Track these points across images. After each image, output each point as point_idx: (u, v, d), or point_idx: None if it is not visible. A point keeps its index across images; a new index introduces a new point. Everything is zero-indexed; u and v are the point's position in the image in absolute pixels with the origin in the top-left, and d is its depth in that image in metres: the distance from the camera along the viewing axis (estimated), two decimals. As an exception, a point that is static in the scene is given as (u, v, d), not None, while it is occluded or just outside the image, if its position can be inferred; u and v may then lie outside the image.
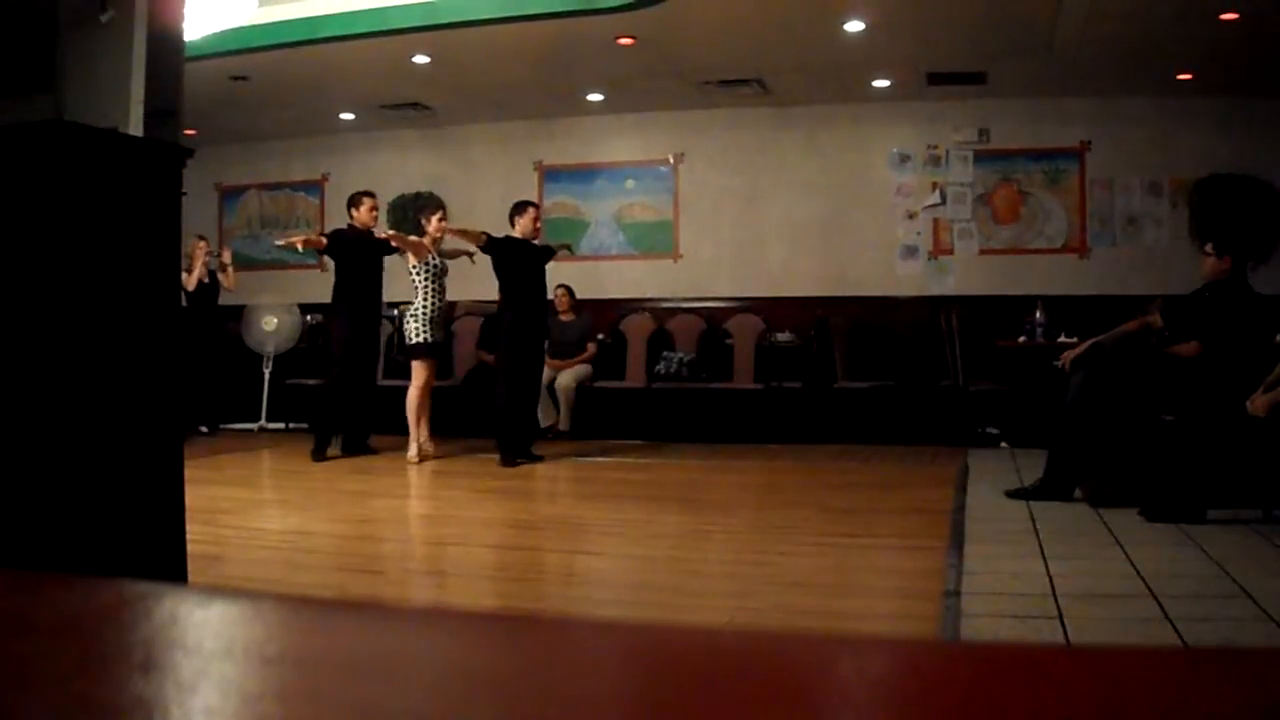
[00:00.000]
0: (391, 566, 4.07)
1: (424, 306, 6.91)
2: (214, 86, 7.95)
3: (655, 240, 9.74)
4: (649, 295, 9.64)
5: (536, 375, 7.16)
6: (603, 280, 9.65)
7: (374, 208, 7.31)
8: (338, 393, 7.14)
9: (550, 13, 7.08)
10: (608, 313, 9.42)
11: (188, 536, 2.69)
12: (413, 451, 6.92)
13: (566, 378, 8.74)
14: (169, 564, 2.55)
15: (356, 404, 7.26)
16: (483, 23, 7.21)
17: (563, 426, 8.71)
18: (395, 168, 10.13)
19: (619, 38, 7.54)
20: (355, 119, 9.92)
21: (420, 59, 8.09)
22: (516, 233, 6.91)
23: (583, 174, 9.90)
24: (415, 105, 9.45)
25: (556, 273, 9.58)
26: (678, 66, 8.32)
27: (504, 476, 6.42)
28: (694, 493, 6.04)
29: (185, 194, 2.71)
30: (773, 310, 9.18)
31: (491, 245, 6.75)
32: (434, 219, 7.14)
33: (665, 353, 9.17)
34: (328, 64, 8.07)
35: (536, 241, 7.11)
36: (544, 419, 8.73)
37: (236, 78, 8.24)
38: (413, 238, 7.03)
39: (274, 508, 5.31)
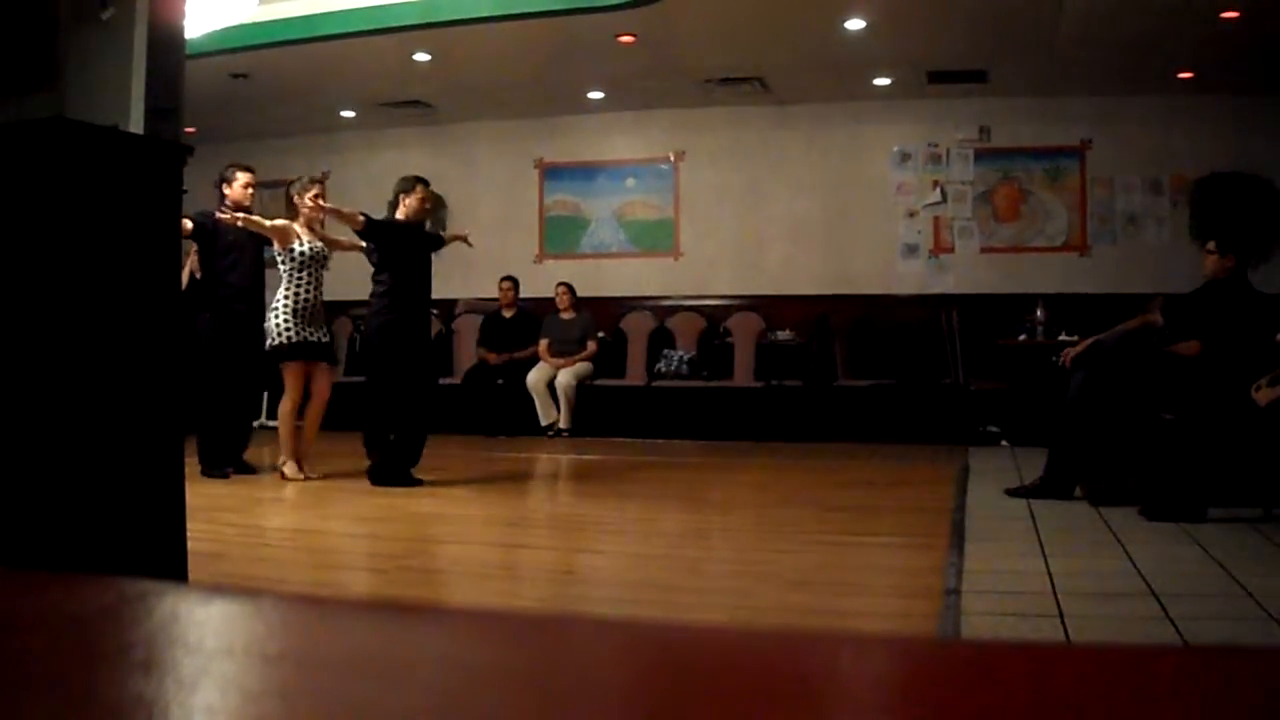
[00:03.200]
0: (391, 564, 4.07)
1: (288, 299, 5.81)
2: (215, 84, 7.95)
3: (656, 238, 9.74)
4: (649, 293, 9.64)
5: (420, 386, 5.74)
6: (603, 278, 9.65)
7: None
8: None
9: (550, 10, 7.08)
10: (608, 311, 9.42)
11: (188, 534, 2.69)
12: (292, 469, 5.83)
13: (567, 376, 8.75)
14: (170, 562, 2.55)
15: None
16: (483, 20, 7.20)
17: (563, 425, 8.71)
18: (396, 166, 10.05)
19: (619, 36, 7.54)
20: (356, 117, 9.92)
21: (421, 57, 8.09)
22: (401, 215, 5.84)
23: (583, 172, 9.90)
24: (416, 103, 9.45)
25: (556, 271, 9.64)
26: (678, 64, 8.31)
27: (505, 475, 6.41)
28: (694, 491, 6.03)
29: (186, 192, 2.71)
30: (773, 308, 9.18)
31: (370, 229, 5.69)
32: (308, 195, 5.89)
33: (666, 351, 9.18)
34: (328, 62, 8.07)
35: (427, 228, 6.29)
36: (544, 417, 8.74)
37: (237, 75, 8.24)
38: (273, 221, 5.91)
39: (274, 505, 5.31)
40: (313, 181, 6.06)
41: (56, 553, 2.23)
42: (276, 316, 5.79)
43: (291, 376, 5.84)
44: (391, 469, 5.60)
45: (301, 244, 5.85)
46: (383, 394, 5.67)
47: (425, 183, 5.93)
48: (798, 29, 7.42)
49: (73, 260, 2.35)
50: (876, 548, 4.26)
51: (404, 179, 5.93)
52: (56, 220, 2.32)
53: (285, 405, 5.87)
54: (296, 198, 5.97)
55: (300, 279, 5.83)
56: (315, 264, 5.90)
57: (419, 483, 5.64)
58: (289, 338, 5.77)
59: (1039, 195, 8.93)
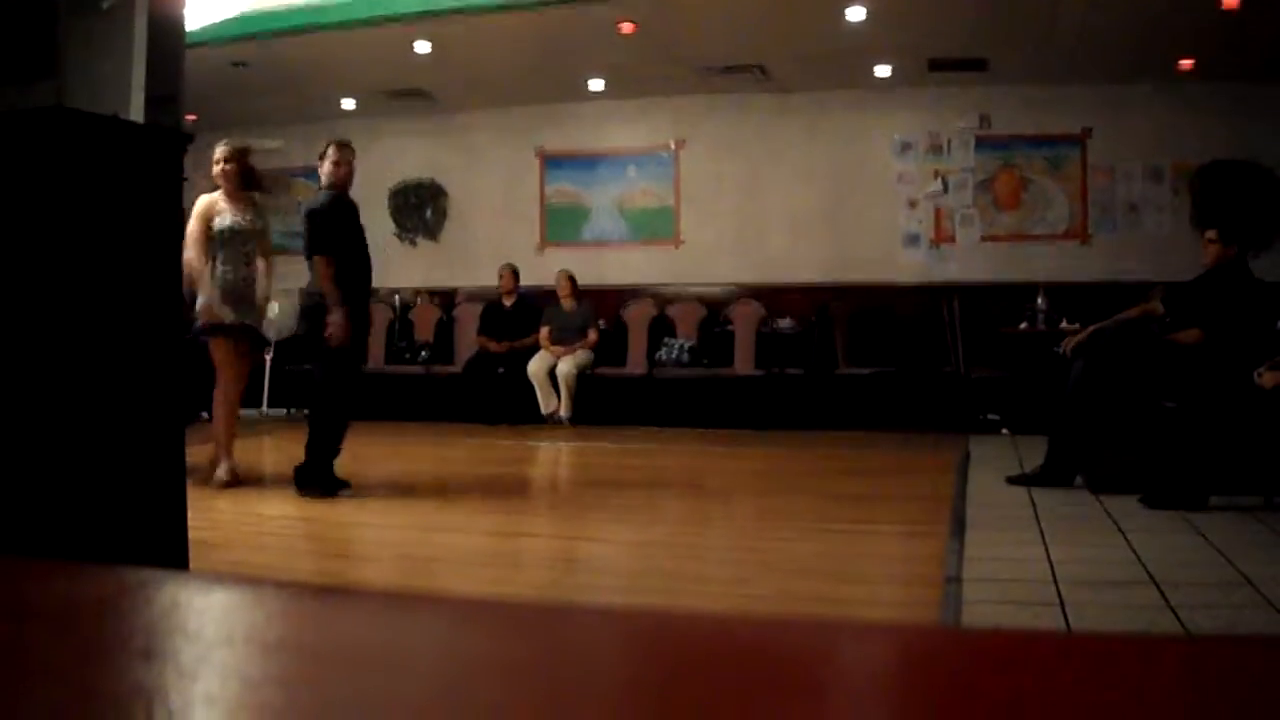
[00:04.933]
0: (391, 553, 4.08)
1: (214, 280, 5.24)
2: (215, 72, 7.93)
3: (656, 227, 9.72)
4: (650, 282, 9.63)
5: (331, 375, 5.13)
6: (604, 267, 9.64)
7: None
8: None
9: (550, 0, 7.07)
10: (609, 300, 9.41)
11: (189, 523, 2.69)
12: (226, 470, 5.28)
13: (568, 365, 8.74)
14: (170, 551, 2.55)
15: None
16: (483, 10, 7.19)
17: (564, 414, 8.71)
18: (397, 155, 10.11)
19: (620, 24, 7.51)
20: (357, 106, 9.90)
21: (421, 46, 8.06)
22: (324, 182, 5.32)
23: (584, 161, 9.88)
24: (416, 92, 9.43)
25: (557, 260, 9.62)
26: (679, 53, 8.29)
27: (506, 463, 6.41)
28: (695, 479, 6.04)
29: (186, 179, 2.71)
30: (774, 297, 9.17)
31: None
32: (215, 168, 5.38)
33: (666, 339, 9.17)
34: (328, 51, 8.05)
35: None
36: (545, 406, 8.74)
37: (237, 64, 8.21)
38: (191, 230, 5.20)
39: (275, 494, 5.31)
40: (235, 150, 5.44)
41: (58, 541, 2.23)
42: (201, 298, 5.20)
43: (218, 356, 5.27)
44: (311, 469, 5.05)
45: (223, 219, 5.29)
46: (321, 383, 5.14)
47: (342, 144, 5.42)
48: (798, 17, 7.40)
49: (73, 248, 2.35)
50: (877, 536, 4.27)
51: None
52: (57, 208, 2.32)
53: (219, 394, 5.32)
54: (214, 166, 5.40)
55: (221, 257, 5.26)
56: (237, 241, 5.32)
57: (344, 485, 5.09)
58: (208, 318, 5.21)
59: (1040, 183, 8.92)
